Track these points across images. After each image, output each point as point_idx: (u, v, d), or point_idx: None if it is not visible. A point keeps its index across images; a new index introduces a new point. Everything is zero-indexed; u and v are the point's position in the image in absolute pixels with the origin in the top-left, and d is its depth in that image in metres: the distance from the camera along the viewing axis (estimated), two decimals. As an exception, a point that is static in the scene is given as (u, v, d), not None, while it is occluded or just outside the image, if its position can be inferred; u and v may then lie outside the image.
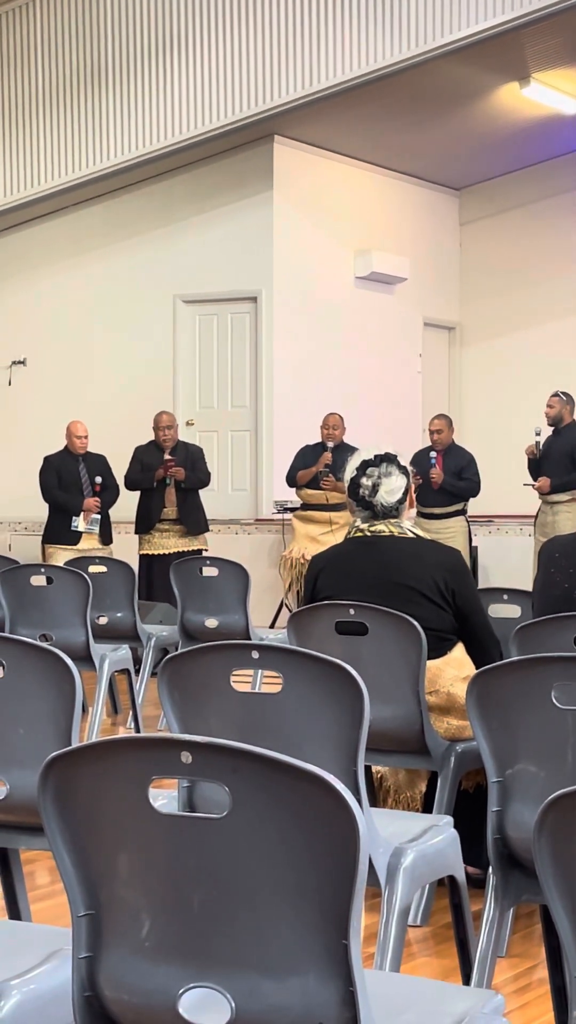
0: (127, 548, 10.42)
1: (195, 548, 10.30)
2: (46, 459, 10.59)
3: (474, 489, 11.08)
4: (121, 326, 12.91)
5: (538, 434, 10.97)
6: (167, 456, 10.42)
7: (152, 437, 10.60)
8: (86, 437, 10.53)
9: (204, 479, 10.54)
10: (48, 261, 13.21)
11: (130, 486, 10.51)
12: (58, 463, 10.52)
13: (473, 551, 11.50)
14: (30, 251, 13.25)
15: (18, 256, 13.29)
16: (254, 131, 11.76)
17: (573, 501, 10.70)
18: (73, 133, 11.82)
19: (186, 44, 11.22)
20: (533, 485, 10.85)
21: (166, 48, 11.31)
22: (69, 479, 10.44)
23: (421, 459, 11.10)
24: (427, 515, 11.05)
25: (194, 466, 10.49)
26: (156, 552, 10.33)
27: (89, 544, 10.28)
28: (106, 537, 10.48)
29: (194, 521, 10.42)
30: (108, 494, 10.47)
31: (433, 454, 11.12)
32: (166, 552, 10.25)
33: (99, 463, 10.55)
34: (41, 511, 10.73)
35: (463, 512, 11.21)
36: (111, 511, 10.54)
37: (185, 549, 10.22)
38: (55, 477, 10.46)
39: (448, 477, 10.98)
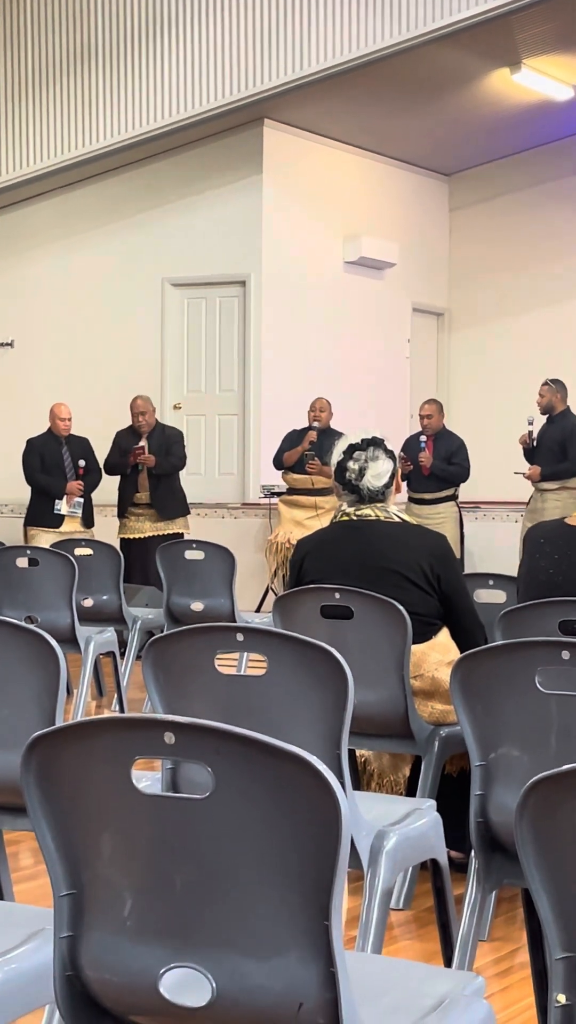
0: (110, 531, 10.41)
1: (172, 532, 10.29)
2: (29, 442, 10.56)
3: (464, 474, 11.05)
4: (109, 309, 12.88)
5: (531, 423, 10.96)
6: (140, 443, 10.41)
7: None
8: (69, 420, 10.51)
9: (178, 464, 10.52)
10: (36, 243, 13.17)
11: (109, 470, 10.54)
12: (41, 446, 10.48)
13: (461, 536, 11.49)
14: (18, 233, 13.20)
15: (5, 238, 13.25)
16: (244, 114, 11.73)
17: (563, 489, 10.71)
18: (62, 115, 11.78)
19: (176, 26, 11.18)
20: (524, 474, 10.85)
21: (156, 30, 11.27)
22: (52, 462, 10.41)
23: (411, 444, 11.09)
24: (418, 500, 11.05)
25: (169, 450, 10.48)
26: (132, 536, 10.36)
27: (71, 527, 10.26)
28: (88, 520, 10.47)
29: (167, 506, 10.41)
30: (91, 477, 10.45)
31: (423, 439, 11.09)
32: (142, 536, 10.28)
33: (82, 446, 10.52)
34: (24, 493, 10.70)
35: (454, 497, 11.19)
36: (93, 494, 10.53)
37: (161, 533, 10.22)
38: (38, 460, 10.43)
39: (438, 462, 10.96)
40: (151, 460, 10.31)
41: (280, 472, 11.07)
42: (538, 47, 11.29)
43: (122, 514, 10.47)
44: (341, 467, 4.49)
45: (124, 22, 11.39)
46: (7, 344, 13.33)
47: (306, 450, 10.74)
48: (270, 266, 12.42)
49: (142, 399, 10.65)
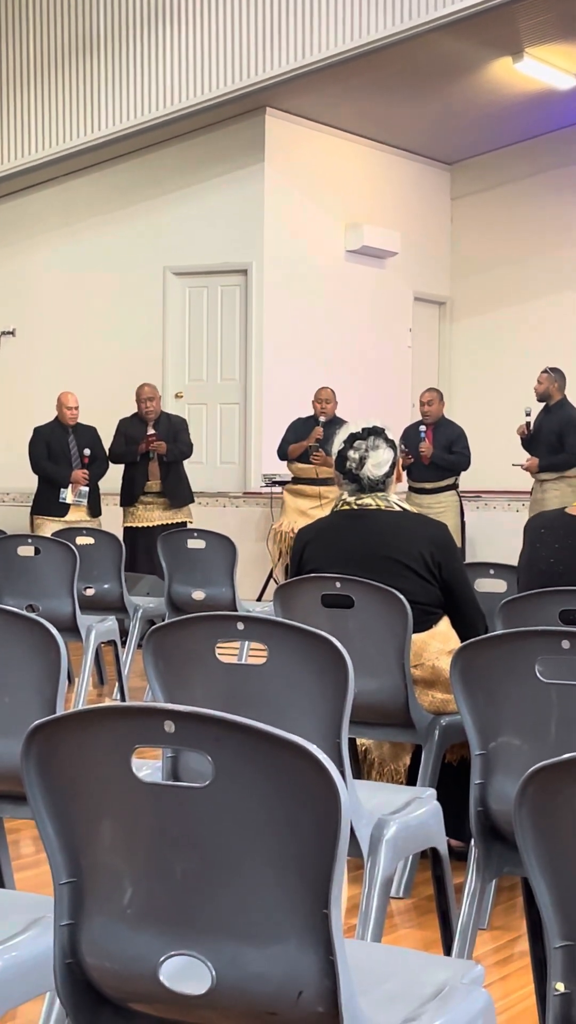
0: (114, 520, 10.42)
1: (179, 521, 10.30)
2: (36, 430, 10.56)
3: (464, 463, 11.03)
4: (111, 298, 12.87)
5: (528, 414, 10.95)
6: (150, 430, 10.41)
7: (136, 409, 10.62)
8: (76, 408, 10.50)
9: (186, 451, 10.54)
10: (38, 232, 13.16)
11: (114, 459, 10.52)
12: (48, 434, 10.49)
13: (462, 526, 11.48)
14: (19, 222, 13.19)
15: (7, 227, 13.24)
16: (246, 103, 11.71)
17: (561, 479, 10.70)
18: (63, 103, 11.76)
19: (178, 14, 11.16)
20: (522, 465, 10.84)
21: (158, 18, 11.25)
22: (58, 450, 10.42)
23: (411, 433, 11.07)
24: (418, 490, 11.04)
25: (176, 438, 10.48)
26: (140, 525, 10.35)
27: (77, 516, 10.27)
28: (95, 509, 10.47)
29: (177, 494, 10.42)
30: (97, 466, 10.45)
31: (423, 428, 11.08)
32: (150, 525, 10.27)
33: (89, 435, 10.53)
34: (30, 482, 10.71)
35: (455, 486, 11.18)
36: (100, 483, 10.52)
37: (169, 522, 10.22)
38: (44, 448, 10.43)
39: (438, 451, 10.94)
40: (163, 447, 10.31)
41: (285, 461, 11.06)
42: (540, 36, 11.26)
43: (130, 502, 10.45)
44: (342, 456, 4.49)
45: (125, 10, 11.36)
46: (9, 332, 13.32)
47: (311, 444, 10.73)
48: (272, 255, 12.41)
49: (149, 386, 10.65)
